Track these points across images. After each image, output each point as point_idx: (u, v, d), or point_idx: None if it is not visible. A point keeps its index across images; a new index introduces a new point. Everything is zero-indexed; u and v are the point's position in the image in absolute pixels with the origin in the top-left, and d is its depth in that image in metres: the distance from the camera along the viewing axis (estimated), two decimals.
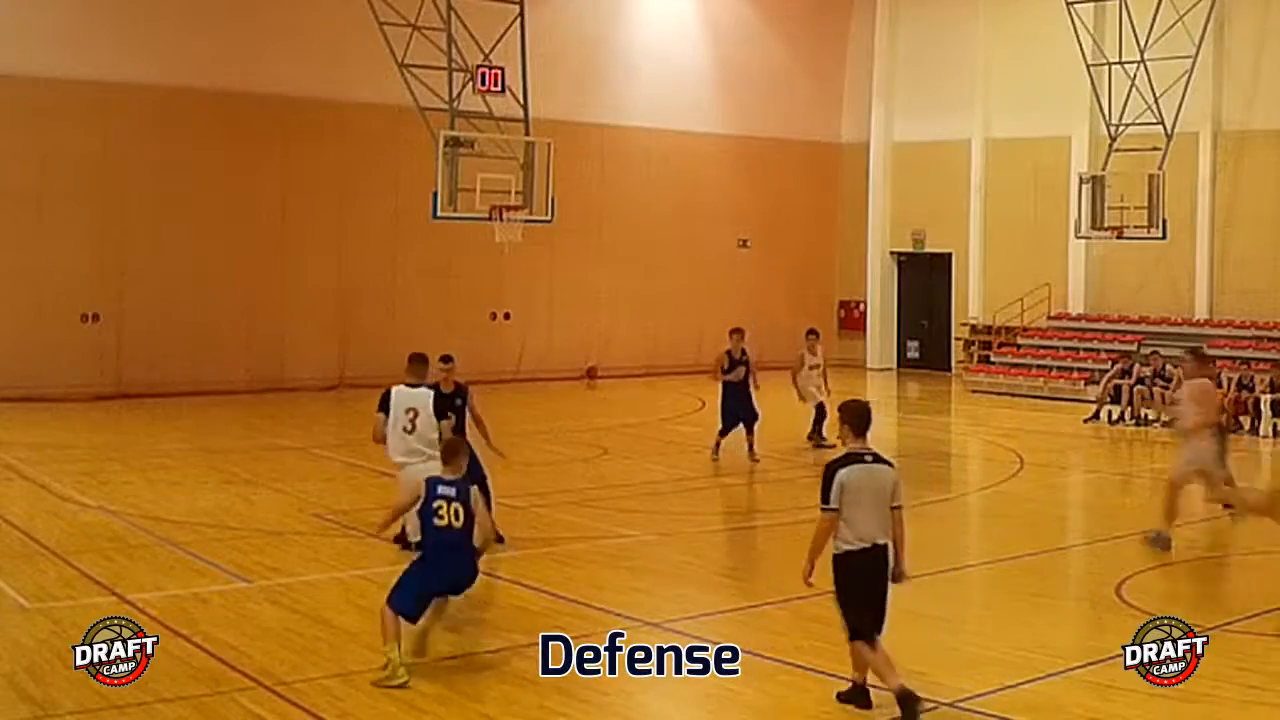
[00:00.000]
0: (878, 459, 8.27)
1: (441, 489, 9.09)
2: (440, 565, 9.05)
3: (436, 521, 9.05)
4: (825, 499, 8.13)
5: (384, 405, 11.27)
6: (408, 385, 11.37)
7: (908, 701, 8.01)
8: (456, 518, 9.00)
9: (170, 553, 12.52)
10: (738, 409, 18.53)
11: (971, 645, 9.89)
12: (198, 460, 18.31)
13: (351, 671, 8.94)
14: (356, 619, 10.28)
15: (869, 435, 8.35)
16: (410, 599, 8.96)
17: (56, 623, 9.92)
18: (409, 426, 11.07)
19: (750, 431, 18.49)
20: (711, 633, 9.42)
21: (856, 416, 8.36)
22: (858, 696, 8.39)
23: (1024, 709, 8.29)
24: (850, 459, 8.20)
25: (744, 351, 18.75)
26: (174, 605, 10.50)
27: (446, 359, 12.73)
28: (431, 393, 11.49)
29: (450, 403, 12.30)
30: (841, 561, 8.18)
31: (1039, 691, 8.66)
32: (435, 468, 9.76)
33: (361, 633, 9.89)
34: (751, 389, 18.61)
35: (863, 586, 8.18)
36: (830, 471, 8.18)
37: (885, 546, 8.20)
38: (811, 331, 20.65)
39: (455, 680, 8.98)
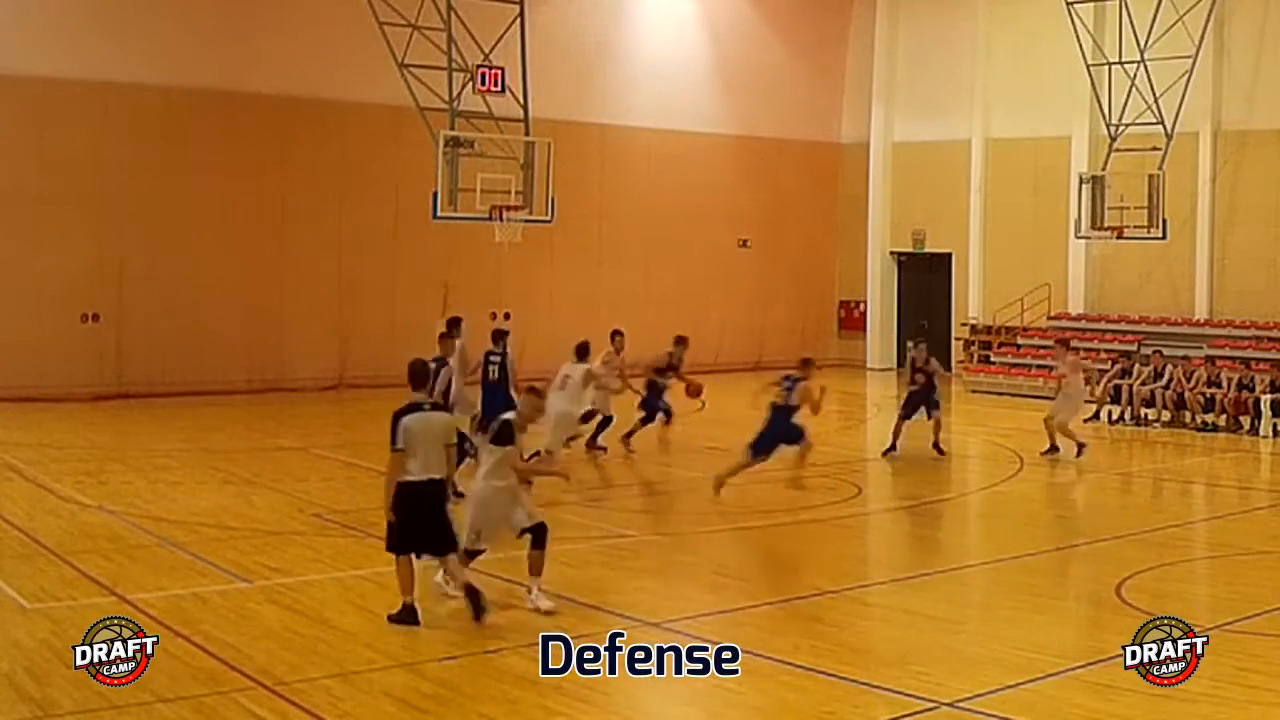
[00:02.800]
0: (435, 407, 10.32)
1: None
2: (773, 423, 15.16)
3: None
4: (393, 441, 9.85)
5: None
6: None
7: (474, 596, 9.88)
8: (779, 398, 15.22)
9: (170, 553, 12.52)
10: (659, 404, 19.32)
11: (971, 645, 9.87)
12: (198, 460, 18.29)
13: (351, 671, 8.93)
14: (356, 619, 10.27)
15: (428, 388, 10.64)
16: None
17: (56, 623, 9.91)
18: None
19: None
20: (711, 633, 9.41)
21: (414, 374, 10.29)
22: (407, 616, 9.88)
23: (1024, 709, 8.28)
24: (412, 408, 9.99)
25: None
26: (174, 605, 10.49)
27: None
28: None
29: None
30: (403, 489, 9.90)
31: (1039, 691, 8.65)
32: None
33: (361, 633, 9.89)
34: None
35: (419, 511, 9.87)
36: (396, 419, 9.89)
37: (441, 480, 9.99)
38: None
39: (455, 680, 8.98)
